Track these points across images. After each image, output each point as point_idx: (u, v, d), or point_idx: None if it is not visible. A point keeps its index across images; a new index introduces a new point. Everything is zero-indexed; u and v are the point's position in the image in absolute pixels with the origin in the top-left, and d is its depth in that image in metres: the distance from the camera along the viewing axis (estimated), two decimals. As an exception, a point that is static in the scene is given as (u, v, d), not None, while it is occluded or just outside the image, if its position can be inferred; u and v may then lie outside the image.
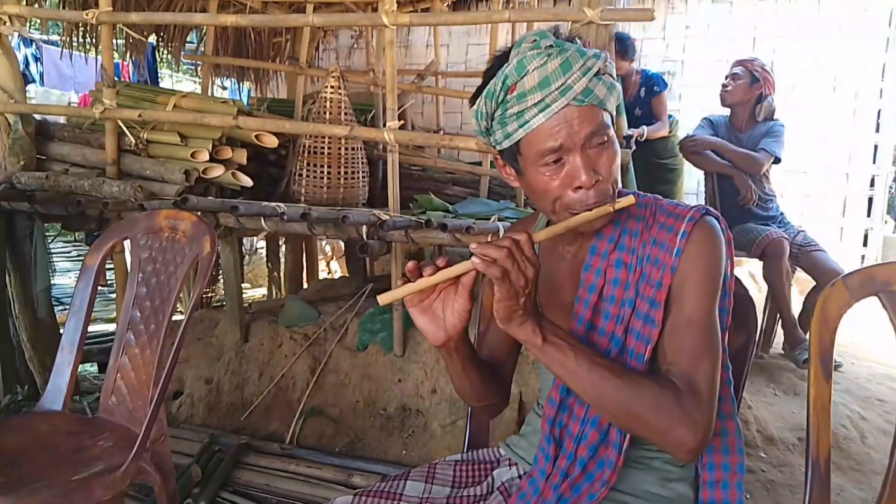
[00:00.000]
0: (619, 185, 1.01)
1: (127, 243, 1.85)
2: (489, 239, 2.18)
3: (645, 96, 3.98)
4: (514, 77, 0.94)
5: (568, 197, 0.97)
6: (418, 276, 0.91)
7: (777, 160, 3.25)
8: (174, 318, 1.68)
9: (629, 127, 3.93)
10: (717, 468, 1.05)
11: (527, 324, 0.90)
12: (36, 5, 3.50)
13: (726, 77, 3.35)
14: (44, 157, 2.84)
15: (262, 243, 5.42)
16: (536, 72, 0.93)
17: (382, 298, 0.93)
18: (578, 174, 0.95)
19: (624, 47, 3.83)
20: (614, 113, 1.00)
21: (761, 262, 3.14)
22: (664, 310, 0.98)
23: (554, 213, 1.01)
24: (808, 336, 3.14)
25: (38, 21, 4.34)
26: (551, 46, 0.94)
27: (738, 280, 1.25)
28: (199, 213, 1.99)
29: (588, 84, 0.93)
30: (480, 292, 1.26)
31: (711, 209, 1.04)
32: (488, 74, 1.00)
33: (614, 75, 0.99)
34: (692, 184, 4.70)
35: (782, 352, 3.26)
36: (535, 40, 0.95)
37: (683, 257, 0.98)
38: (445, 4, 4.43)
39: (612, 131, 0.98)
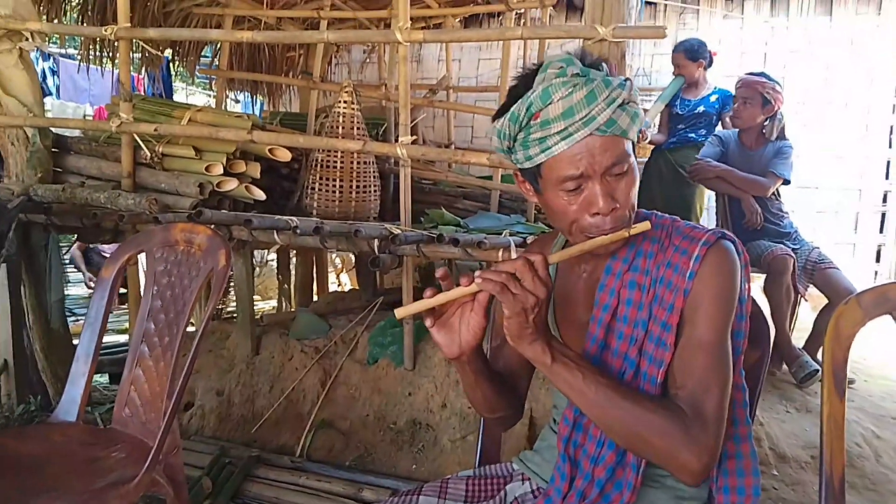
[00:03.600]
0: (635, 209, 1.02)
1: (141, 256, 1.86)
2: (500, 254, 2.19)
3: (720, 109, 3.95)
4: (539, 105, 0.95)
5: (585, 221, 0.99)
6: (448, 284, 0.93)
7: (786, 181, 3.24)
8: (187, 329, 1.69)
9: (683, 126, 3.95)
10: (733, 491, 1.05)
11: (537, 343, 0.91)
12: (56, 21, 3.57)
13: (735, 101, 3.34)
14: (60, 170, 2.88)
15: (273, 256, 5.46)
16: (561, 102, 0.94)
17: (399, 312, 0.95)
18: (596, 201, 0.96)
19: (692, 49, 3.85)
20: (636, 139, 1.01)
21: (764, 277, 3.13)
22: (676, 332, 0.98)
23: (570, 234, 1.02)
24: (820, 353, 3.13)
25: (57, 35, 4.40)
26: (577, 75, 0.95)
27: (750, 297, 1.25)
28: (213, 227, 2.01)
29: (612, 115, 0.94)
30: (493, 308, 1.27)
31: (728, 233, 1.04)
32: (513, 93, 1.01)
33: (637, 101, 1.00)
34: (710, 200, 4.69)
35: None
36: (561, 67, 0.96)
37: (696, 281, 0.98)
38: (457, 21, 4.48)
39: (632, 159, 0.99)
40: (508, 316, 0.89)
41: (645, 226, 0.98)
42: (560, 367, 0.92)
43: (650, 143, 4.03)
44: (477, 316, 0.95)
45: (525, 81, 1.00)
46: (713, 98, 3.91)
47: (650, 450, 0.92)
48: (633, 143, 1.00)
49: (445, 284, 0.93)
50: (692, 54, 3.87)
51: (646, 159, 4.18)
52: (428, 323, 0.96)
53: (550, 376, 0.93)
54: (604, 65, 1.00)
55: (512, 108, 0.99)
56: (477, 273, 0.90)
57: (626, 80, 0.98)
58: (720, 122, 3.96)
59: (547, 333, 0.93)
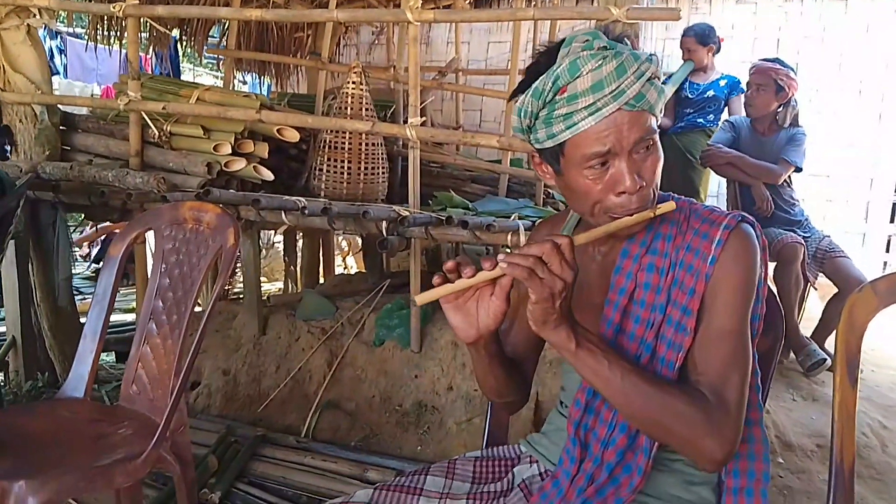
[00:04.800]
0: (658, 189, 1.01)
1: (149, 234, 1.86)
2: (508, 237, 2.18)
3: (728, 95, 3.91)
4: (567, 78, 0.92)
5: (610, 201, 0.96)
6: (457, 276, 0.90)
7: (798, 169, 3.21)
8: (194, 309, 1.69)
9: (691, 110, 3.91)
10: (742, 475, 1.04)
11: (561, 328, 0.89)
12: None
13: (749, 87, 3.30)
14: (68, 148, 2.88)
15: (279, 237, 5.46)
16: (590, 74, 0.91)
17: (420, 298, 0.91)
18: (623, 179, 0.94)
19: (702, 33, 3.82)
20: (660, 116, 0.99)
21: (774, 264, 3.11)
22: (697, 317, 0.97)
23: (592, 215, 1.00)
24: (828, 343, 3.12)
25: (64, 14, 4.38)
26: (605, 48, 0.93)
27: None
28: (222, 206, 2.00)
29: (641, 89, 0.92)
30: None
31: (748, 216, 1.02)
32: (532, 71, 0.98)
33: (662, 79, 0.98)
34: (714, 186, 4.66)
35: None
36: (587, 40, 0.94)
37: (718, 266, 0.97)
38: (467, 2, 4.43)
39: (657, 136, 0.97)
40: (535, 301, 0.86)
41: (670, 205, 0.96)
42: (585, 353, 0.90)
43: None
44: (498, 300, 0.92)
45: (547, 58, 0.97)
46: (722, 83, 3.87)
47: (673, 437, 0.91)
48: (656, 119, 0.98)
49: (453, 277, 0.90)
50: (702, 38, 3.82)
51: None
52: (443, 301, 0.93)
53: (574, 362, 0.91)
54: (626, 41, 0.98)
55: (535, 84, 0.96)
56: (500, 257, 0.87)
57: (653, 55, 0.96)
58: (727, 108, 3.92)
59: (571, 318, 0.91)
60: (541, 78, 0.95)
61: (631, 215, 0.95)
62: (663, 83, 1.01)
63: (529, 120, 0.99)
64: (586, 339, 0.90)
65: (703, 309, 0.97)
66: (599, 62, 0.91)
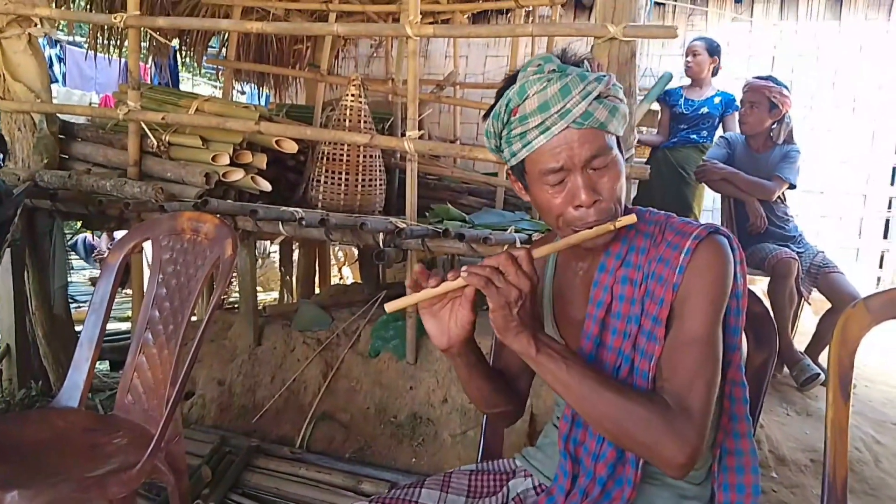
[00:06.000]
0: (623, 203, 1.03)
1: (146, 244, 1.87)
2: (505, 249, 2.19)
3: (723, 112, 3.94)
4: (517, 101, 0.98)
5: (569, 214, 1.00)
6: (426, 282, 0.95)
7: (792, 186, 3.24)
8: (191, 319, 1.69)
9: (685, 126, 3.94)
10: (732, 489, 1.05)
11: (522, 335, 0.93)
12: (65, 7, 3.56)
13: (742, 105, 3.33)
14: (66, 157, 2.88)
15: (275, 248, 5.46)
16: (536, 96, 0.96)
17: (389, 306, 0.96)
18: (578, 193, 0.98)
19: (712, 44, 3.87)
20: (620, 133, 1.01)
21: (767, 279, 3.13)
22: (667, 326, 0.98)
23: (558, 228, 1.04)
24: (821, 357, 3.13)
25: (65, 23, 4.40)
26: (554, 71, 0.97)
27: (758, 299, 1.25)
28: (219, 216, 2.01)
29: (588, 108, 0.95)
30: None
31: (721, 228, 1.04)
32: (499, 94, 1.03)
33: (621, 97, 1.00)
34: (708, 201, 4.69)
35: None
36: (539, 64, 0.98)
37: (686, 274, 0.98)
38: (465, 17, 4.47)
39: (615, 153, 1.00)
40: (493, 309, 0.91)
41: (630, 219, 0.98)
42: (545, 359, 0.93)
43: (640, 143, 4.00)
44: (464, 310, 0.97)
45: (509, 82, 1.02)
46: (717, 100, 3.90)
47: (634, 443, 0.92)
48: (617, 137, 1.01)
49: (430, 283, 0.95)
50: (711, 48, 3.86)
51: (644, 159, 4.17)
52: (420, 307, 0.99)
53: (536, 368, 0.94)
54: (586, 62, 1.01)
55: (495, 107, 1.02)
56: (463, 268, 0.92)
57: (605, 75, 0.99)
58: (721, 125, 3.95)
59: (533, 326, 0.94)
60: (499, 101, 1.01)
61: (591, 228, 0.98)
62: (643, 99, 1.04)
63: (496, 140, 1.05)
64: (547, 346, 0.94)
65: (672, 317, 0.98)
66: (545, 84, 0.96)
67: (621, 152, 1.03)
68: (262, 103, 6.63)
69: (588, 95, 0.95)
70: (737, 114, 3.63)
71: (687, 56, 3.92)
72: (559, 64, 0.98)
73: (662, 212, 1.10)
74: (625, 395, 0.92)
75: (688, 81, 3.97)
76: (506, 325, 0.92)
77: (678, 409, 0.92)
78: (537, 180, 1.01)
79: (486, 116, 1.06)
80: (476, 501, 1.16)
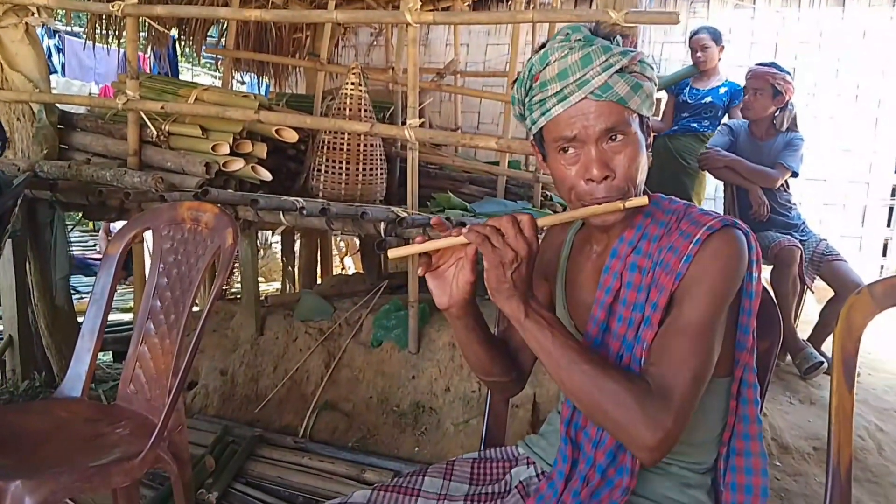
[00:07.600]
0: (639, 186, 1.01)
1: (147, 234, 1.86)
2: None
3: (729, 103, 3.91)
4: (538, 66, 0.98)
5: (580, 187, 1.00)
6: (444, 232, 0.97)
7: (795, 174, 3.22)
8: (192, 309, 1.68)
9: (687, 114, 3.91)
10: (741, 490, 1.04)
11: (513, 298, 0.92)
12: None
13: (746, 91, 3.31)
14: (66, 147, 2.88)
15: (276, 238, 5.45)
16: (557, 63, 0.96)
17: (392, 253, 0.98)
18: (590, 167, 0.97)
19: (716, 32, 3.84)
20: (645, 112, 1.00)
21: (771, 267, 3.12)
22: (665, 314, 0.97)
23: (570, 201, 1.03)
24: (825, 345, 3.13)
25: (63, 12, 4.38)
26: (579, 40, 0.96)
27: (761, 287, 1.24)
28: (220, 206, 2.00)
29: (608, 80, 0.94)
30: None
31: (741, 223, 1.01)
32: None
33: (648, 75, 0.98)
34: (711, 189, 4.67)
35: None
36: (567, 33, 0.98)
37: (693, 264, 0.95)
38: (466, 4, 4.44)
39: (633, 129, 0.98)
40: (487, 268, 0.91)
41: (641, 200, 0.97)
42: (531, 324, 0.92)
43: None
44: (464, 270, 0.98)
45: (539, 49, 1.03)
46: (722, 90, 3.86)
47: (606, 419, 0.90)
48: (640, 117, 1.00)
49: (434, 234, 0.96)
50: (717, 37, 3.83)
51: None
52: (420, 271, 1.00)
53: (523, 333, 0.94)
54: (619, 38, 1.00)
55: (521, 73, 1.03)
56: (466, 226, 0.92)
57: (633, 50, 0.97)
58: (727, 115, 3.92)
59: (525, 292, 0.93)
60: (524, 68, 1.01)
61: (599, 204, 0.97)
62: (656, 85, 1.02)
63: (520, 107, 1.05)
64: (536, 313, 0.93)
65: (672, 305, 0.97)
66: (566, 52, 0.96)
67: (645, 133, 1.01)
68: (262, 93, 6.61)
69: (610, 68, 0.94)
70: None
71: (696, 52, 3.86)
72: (587, 35, 0.98)
73: (683, 202, 1.08)
74: (604, 370, 0.90)
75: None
76: (498, 285, 0.92)
77: (658, 393, 0.89)
78: (552, 149, 1.01)
79: (513, 84, 1.07)
80: (479, 489, 1.16)
